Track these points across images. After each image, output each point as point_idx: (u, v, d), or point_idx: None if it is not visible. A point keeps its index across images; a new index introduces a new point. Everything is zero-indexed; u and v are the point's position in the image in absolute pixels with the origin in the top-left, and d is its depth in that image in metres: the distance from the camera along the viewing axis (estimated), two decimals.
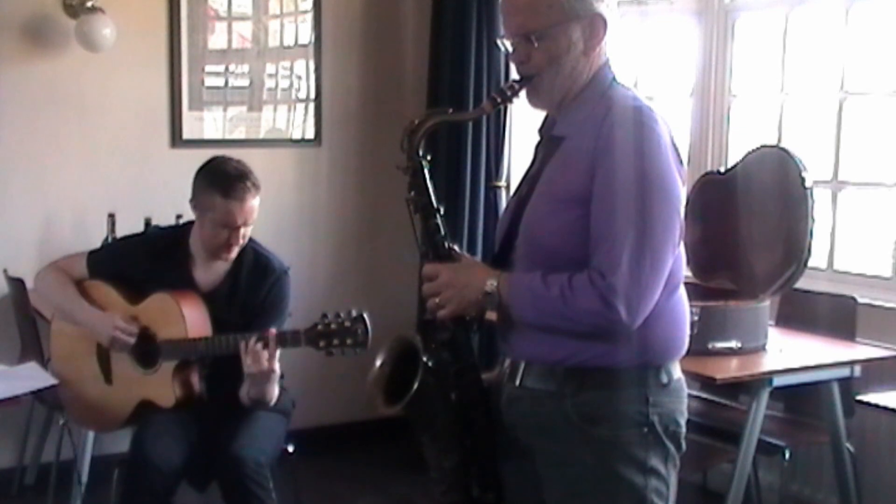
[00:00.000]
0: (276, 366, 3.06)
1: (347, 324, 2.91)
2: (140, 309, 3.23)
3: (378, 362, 2.21)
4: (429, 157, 2.19)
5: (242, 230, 3.19)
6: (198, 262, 3.28)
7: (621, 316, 1.98)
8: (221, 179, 3.16)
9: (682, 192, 2.08)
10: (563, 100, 2.14)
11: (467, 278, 2.12)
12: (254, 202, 3.18)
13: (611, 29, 2.12)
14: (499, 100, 2.17)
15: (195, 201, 3.22)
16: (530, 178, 2.18)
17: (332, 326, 2.92)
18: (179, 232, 3.36)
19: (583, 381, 2.07)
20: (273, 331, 3.03)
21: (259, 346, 3.00)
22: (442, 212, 2.19)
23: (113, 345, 3.21)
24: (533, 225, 2.12)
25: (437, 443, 2.21)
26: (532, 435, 2.15)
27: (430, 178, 2.19)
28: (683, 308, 2.16)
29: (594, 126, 2.05)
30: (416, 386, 2.10)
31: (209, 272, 3.28)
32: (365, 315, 2.91)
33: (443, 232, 2.18)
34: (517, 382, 2.15)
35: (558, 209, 2.07)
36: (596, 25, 2.10)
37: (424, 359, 2.13)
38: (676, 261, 2.10)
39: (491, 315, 2.19)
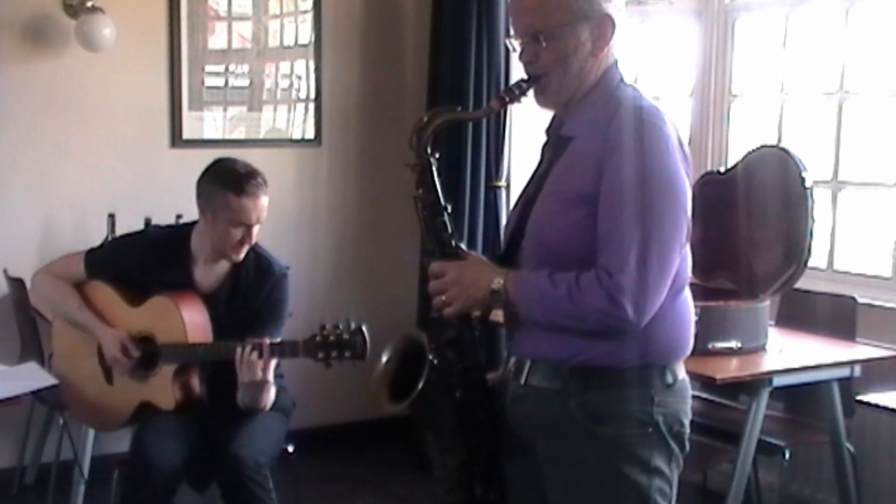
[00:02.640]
0: (271, 375, 3.05)
1: (346, 336, 2.88)
2: (140, 311, 3.23)
3: (384, 359, 2.20)
4: (437, 156, 2.18)
5: (254, 229, 3.18)
6: (199, 263, 3.27)
7: (628, 314, 1.98)
8: (233, 178, 3.15)
9: (689, 192, 2.09)
10: (570, 100, 2.14)
11: (474, 276, 2.12)
12: (265, 199, 3.18)
13: (619, 30, 2.12)
14: (507, 99, 2.17)
15: (205, 203, 3.19)
16: (538, 178, 2.18)
17: (331, 338, 2.89)
18: (180, 232, 3.34)
19: (588, 381, 2.07)
20: (267, 341, 3.01)
21: (254, 355, 2.99)
22: (449, 209, 2.18)
23: (113, 365, 3.23)
24: (540, 224, 2.12)
25: (441, 441, 2.20)
26: (536, 433, 2.15)
27: (438, 175, 2.18)
28: (689, 308, 2.16)
29: (602, 126, 2.05)
30: (421, 384, 2.10)
31: (210, 273, 3.27)
32: (364, 327, 2.88)
33: (450, 230, 2.17)
34: (522, 381, 2.15)
35: (565, 208, 2.07)
36: (604, 26, 2.10)
37: (430, 357, 2.12)
38: (683, 261, 2.11)
39: (497, 314, 2.19)
